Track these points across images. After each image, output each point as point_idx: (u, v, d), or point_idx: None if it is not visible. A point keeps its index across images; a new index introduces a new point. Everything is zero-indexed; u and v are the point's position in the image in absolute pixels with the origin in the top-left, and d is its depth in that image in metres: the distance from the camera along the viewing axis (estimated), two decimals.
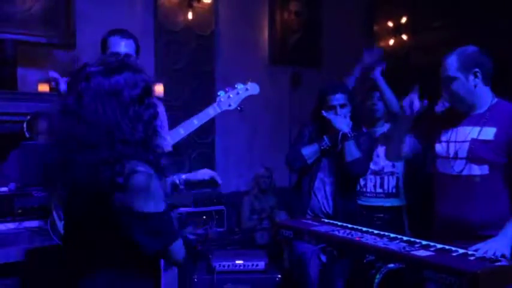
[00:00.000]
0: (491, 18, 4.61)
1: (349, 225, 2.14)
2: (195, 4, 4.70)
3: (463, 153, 2.09)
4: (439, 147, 2.19)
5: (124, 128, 1.34)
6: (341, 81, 2.81)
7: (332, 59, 5.59)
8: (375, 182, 3.14)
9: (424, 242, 1.81)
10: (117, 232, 1.37)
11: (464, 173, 2.07)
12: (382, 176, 3.14)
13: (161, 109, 2.50)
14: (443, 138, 2.18)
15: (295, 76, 5.39)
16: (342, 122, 2.64)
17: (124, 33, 2.33)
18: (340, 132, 2.64)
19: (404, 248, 1.71)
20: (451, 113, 2.22)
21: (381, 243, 1.79)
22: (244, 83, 2.50)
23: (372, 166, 3.14)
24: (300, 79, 5.40)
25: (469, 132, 2.09)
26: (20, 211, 2.58)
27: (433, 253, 1.67)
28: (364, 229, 2.06)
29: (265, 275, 3.20)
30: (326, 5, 5.64)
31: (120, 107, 1.36)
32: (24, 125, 3.30)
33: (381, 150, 3.16)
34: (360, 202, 3.14)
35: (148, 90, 1.44)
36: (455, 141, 2.13)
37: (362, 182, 3.16)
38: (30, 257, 2.28)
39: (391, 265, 1.64)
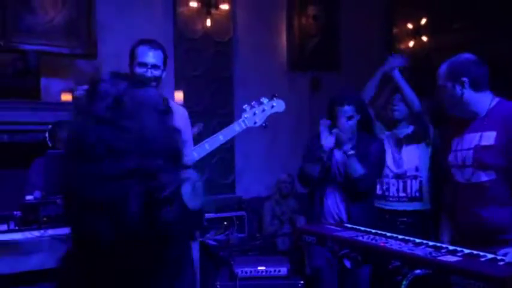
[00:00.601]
0: (510, 19, 4.53)
1: (373, 231, 2.11)
2: (214, 11, 4.73)
3: (469, 160, 2.10)
4: (451, 156, 2.20)
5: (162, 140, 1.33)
6: (351, 91, 2.84)
7: (351, 62, 5.56)
8: (398, 186, 3.10)
9: (450, 247, 1.77)
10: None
11: (474, 180, 2.09)
12: (405, 179, 3.09)
13: (185, 122, 2.52)
14: (453, 146, 2.21)
15: (314, 80, 5.37)
16: (342, 140, 2.64)
17: (152, 44, 2.36)
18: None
19: (430, 253, 1.68)
20: (459, 120, 2.22)
21: (406, 248, 1.76)
22: (271, 98, 2.47)
23: (394, 169, 3.10)
24: (319, 83, 5.38)
25: (472, 139, 2.11)
26: (45, 219, 2.62)
27: (461, 258, 1.63)
28: (389, 234, 2.03)
29: (288, 281, 3.18)
30: (344, 8, 5.61)
31: (160, 119, 1.35)
32: (46, 134, 3.36)
33: (404, 153, 3.12)
34: (382, 206, 3.11)
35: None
36: (461, 150, 2.15)
37: (384, 186, 3.12)
38: (65, 263, 2.31)
39: (418, 271, 1.61)
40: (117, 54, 4.32)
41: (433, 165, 3.12)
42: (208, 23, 4.73)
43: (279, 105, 2.49)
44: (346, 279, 2.63)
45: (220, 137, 2.36)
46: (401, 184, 3.09)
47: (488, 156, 2.04)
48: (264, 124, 2.45)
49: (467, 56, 2.20)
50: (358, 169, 2.62)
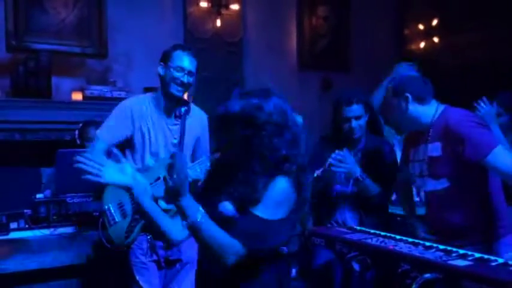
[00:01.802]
0: None
1: (382, 233, 2.09)
2: (224, 11, 4.74)
3: (425, 171, 2.20)
4: (410, 167, 2.31)
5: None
6: (357, 90, 2.63)
7: (361, 63, 5.54)
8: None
9: (461, 251, 1.75)
10: None
11: (430, 188, 2.20)
12: None
13: (205, 127, 2.55)
14: (410, 157, 2.30)
15: (325, 81, 5.35)
16: (351, 168, 2.46)
17: (189, 50, 2.42)
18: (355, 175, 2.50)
19: (441, 257, 1.66)
20: (415, 132, 2.28)
21: (416, 251, 1.74)
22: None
23: None
24: (330, 84, 5.36)
25: (424, 151, 2.18)
26: (55, 217, 2.63)
27: (472, 263, 1.61)
28: (398, 237, 2.01)
29: (296, 283, 3.16)
30: (354, 9, 5.59)
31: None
32: (76, 132, 3.41)
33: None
34: (394, 211, 3.08)
35: None
36: (418, 160, 2.24)
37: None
38: (88, 260, 2.34)
39: (428, 275, 1.59)
40: (127, 53, 4.36)
41: None
42: (218, 23, 4.73)
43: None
44: (350, 282, 2.60)
45: None
46: (414, 189, 3.06)
47: (438, 167, 2.12)
48: None
49: (406, 71, 2.48)
50: (373, 189, 2.51)
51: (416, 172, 2.26)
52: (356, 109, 2.50)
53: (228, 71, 4.86)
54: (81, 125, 3.45)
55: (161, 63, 2.38)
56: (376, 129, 2.75)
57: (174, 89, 2.34)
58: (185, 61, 2.35)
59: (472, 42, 4.92)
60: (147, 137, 2.36)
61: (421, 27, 5.62)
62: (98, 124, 3.41)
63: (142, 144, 2.36)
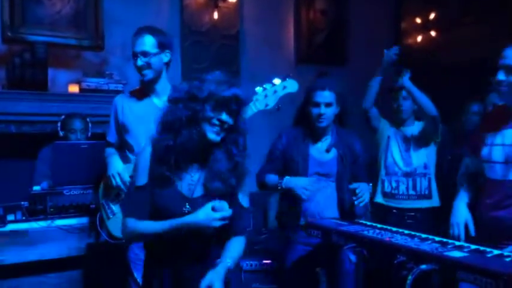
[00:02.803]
0: None
1: (379, 225, 2.11)
2: (221, 4, 4.72)
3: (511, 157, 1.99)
4: (484, 151, 2.09)
5: None
6: (332, 80, 2.61)
7: (359, 57, 5.53)
8: (407, 184, 3.08)
9: (457, 243, 1.77)
10: None
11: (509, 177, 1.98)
12: (415, 177, 3.07)
13: None
14: (488, 141, 2.08)
15: (321, 75, 5.35)
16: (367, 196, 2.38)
17: (141, 31, 2.33)
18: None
19: (437, 248, 1.68)
20: (497, 113, 2.11)
21: (412, 243, 1.76)
22: (283, 79, 2.42)
23: (403, 168, 3.08)
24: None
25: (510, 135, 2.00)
26: (52, 209, 2.63)
27: (467, 254, 1.62)
28: (394, 229, 2.02)
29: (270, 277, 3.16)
30: (352, 2, 5.58)
31: None
32: (59, 124, 3.40)
33: (412, 150, 3.10)
34: (390, 204, 3.10)
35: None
36: (503, 145, 2.02)
37: (394, 184, 3.10)
38: (89, 252, 2.35)
39: (423, 266, 1.60)
40: (124, 46, 4.33)
41: (440, 161, 3.11)
42: (216, 15, 4.71)
43: (291, 85, 2.45)
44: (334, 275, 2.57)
45: None
46: (410, 182, 3.07)
47: None
48: (276, 106, 2.41)
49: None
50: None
51: (495, 158, 2.05)
52: (328, 95, 2.43)
53: (225, 64, 4.85)
54: (63, 116, 3.44)
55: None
56: (344, 124, 2.63)
57: (140, 76, 2.34)
58: (136, 45, 2.30)
59: (470, 37, 4.92)
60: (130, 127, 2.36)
61: (418, 20, 5.61)
62: (80, 116, 3.42)
63: (130, 133, 2.36)
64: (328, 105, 2.44)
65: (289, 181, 2.43)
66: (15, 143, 3.81)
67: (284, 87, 2.42)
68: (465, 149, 2.35)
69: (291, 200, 2.51)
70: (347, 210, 2.50)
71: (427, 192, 3.06)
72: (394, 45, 3.24)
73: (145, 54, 2.29)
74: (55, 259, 2.32)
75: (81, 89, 3.98)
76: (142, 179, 1.64)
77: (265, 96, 2.39)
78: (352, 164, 2.54)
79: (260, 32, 5.05)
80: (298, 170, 2.50)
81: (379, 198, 3.15)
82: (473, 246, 1.72)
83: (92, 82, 4.00)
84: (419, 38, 5.61)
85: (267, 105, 2.40)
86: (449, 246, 1.72)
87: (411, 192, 3.07)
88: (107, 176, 2.31)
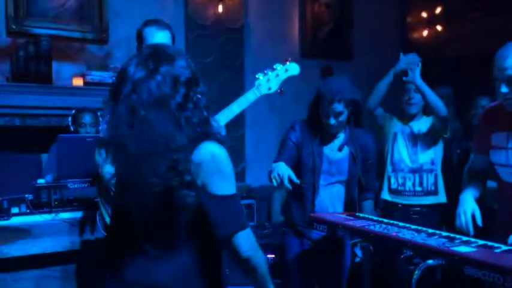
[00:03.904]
0: None
1: (385, 220, 2.09)
2: None
3: None
4: (497, 154, 2.01)
5: (179, 135, 1.35)
6: (342, 85, 2.41)
7: (363, 51, 5.50)
8: (414, 180, 3.05)
9: (464, 238, 1.75)
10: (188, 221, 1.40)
11: None
12: (421, 173, 3.04)
13: None
14: (500, 143, 1.99)
15: (326, 70, 5.33)
16: None
17: (160, 24, 2.29)
18: None
19: (444, 243, 1.66)
20: (498, 115, 2.02)
21: (419, 238, 1.74)
22: (283, 63, 2.38)
23: (410, 164, 3.06)
24: (331, 72, 5.33)
25: None
26: (56, 203, 2.63)
27: (475, 249, 1.61)
28: (401, 224, 2.01)
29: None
30: None
31: (171, 113, 1.36)
32: (69, 119, 3.41)
33: (419, 146, 3.07)
34: (396, 200, 3.09)
35: (195, 78, 1.43)
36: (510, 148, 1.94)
37: (400, 181, 3.08)
38: (84, 246, 2.34)
39: (430, 261, 1.59)
40: (128, 39, 4.30)
41: (448, 160, 3.07)
42: (220, 9, 4.69)
43: (292, 68, 2.40)
44: (326, 270, 2.57)
45: (235, 108, 2.28)
46: (417, 179, 3.05)
47: None
48: (279, 90, 2.36)
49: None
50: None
51: (503, 161, 1.98)
52: (337, 106, 2.37)
53: (229, 58, 4.83)
54: (74, 111, 3.45)
55: (136, 44, 2.29)
56: (358, 122, 2.56)
57: None
58: (155, 37, 2.23)
59: (476, 31, 4.89)
60: None
61: (424, 15, 5.57)
62: (91, 110, 3.42)
63: None
64: (338, 115, 2.39)
65: (277, 165, 2.30)
66: (20, 136, 3.81)
67: (286, 70, 2.39)
68: (472, 145, 2.31)
69: (297, 195, 2.49)
70: (355, 210, 2.48)
71: (433, 189, 3.04)
72: (412, 53, 3.06)
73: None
74: (59, 252, 2.32)
75: (85, 82, 3.98)
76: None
77: (268, 80, 2.35)
78: (363, 162, 2.52)
79: (265, 25, 5.03)
80: (310, 166, 2.45)
81: (385, 195, 3.13)
82: (481, 242, 1.70)
83: (96, 75, 4.00)
84: (425, 33, 5.57)
85: (269, 88, 2.35)
86: (457, 242, 1.70)
87: (418, 188, 3.05)
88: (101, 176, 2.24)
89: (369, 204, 2.59)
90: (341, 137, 2.52)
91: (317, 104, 2.46)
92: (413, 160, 3.05)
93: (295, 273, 2.55)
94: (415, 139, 3.08)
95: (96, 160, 2.27)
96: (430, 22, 5.51)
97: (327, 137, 2.51)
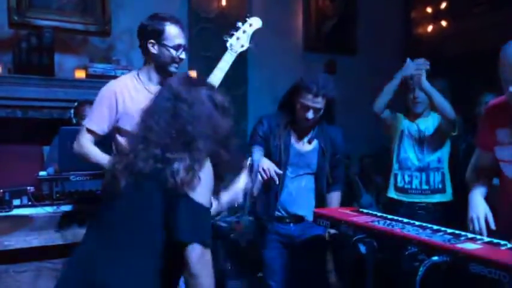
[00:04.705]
0: None
1: (389, 216, 2.07)
2: None
3: None
4: (499, 151, 1.97)
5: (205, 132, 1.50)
6: (327, 81, 2.38)
7: (367, 45, 5.47)
8: (421, 178, 3.03)
9: (470, 235, 1.73)
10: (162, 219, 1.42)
11: None
12: (428, 172, 3.02)
13: None
14: (505, 139, 1.95)
15: (329, 64, 5.30)
16: None
17: (181, 24, 2.27)
18: None
19: (449, 240, 1.64)
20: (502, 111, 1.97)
21: (423, 235, 1.72)
22: (244, 20, 2.45)
23: (417, 163, 3.03)
24: (334, 67, 5.31)
25: None
26: (58, 195, 2.61)
27: (481, 246, 1.59)
28: (406, 220, 1.99)
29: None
30: None
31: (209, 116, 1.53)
32: (72, 111, 3.39)
33: (426, 144, 3.05)
34: (402, 199, 3.07)
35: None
36: None
37: (407, 179, 3.06)
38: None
39: (435, 258, 1.57)
40: (131, 31, 4.27)
41: (455, 156, 3.04)
42: (224, 2, 4.66)
43: (256, 22, 2.47)
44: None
45: (218, 73, 2.35)
46: (424, 177, 3.03)
47: None
48: (250, 44, 2.44)
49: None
50: None
51: (507, 157, 1.95)
52: (319, 102, 2.36)
53: None
54: (76, 103, 3.43)
55: (151, 40, 2.21)
56: (330, 119, 2.55)
57: (173, 68, 2.28)
58: (182, 37, 2.24)
59: (481, 27, 4.84)
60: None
61: (429, 10, 5.53)
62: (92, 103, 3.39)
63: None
64: (317, 110, 2.39)
65: (259, 159, 2.34)
66: (22, 128, 3.80)
67: (250, 25, 2.45)
68: (476, 141, 2.28)
69: (263, 187, 2.47)
70: (324, 204, 2.50)
71: (440, 186, 3.01)
72: (421, 59, 3.00)
73: (186, 48, 2.29)
74: (61, 244, 2.30)
75: (87, 75, 3.96)
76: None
77: (237, 38, 2.41)
78: (331, 157, 2.53)
79: (268, 19, 4.95)
80: (277, 159, 2.46)
81: (391, 193, 3.11)
82: (486, 239, 1.69)
83: (99, 68, 3.98)
84: (429, 28, 5.53)
85: (242, 45, 2.42)
86: (462, 238, 1.68)
87: (424, 186, 3.03)
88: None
89: (335, 195, 2.58)
90: (311, 130, 2.52)
91: (295, 96, 2.44)
92: (420, 158, 3.03)
93: (267, 268, 2.56)
94: (422, 138, 3.05)
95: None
96: (435, 17, 5.47)
97: (298, 129, 2.51)
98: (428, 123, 3.08)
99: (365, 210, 2.23)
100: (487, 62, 4.60)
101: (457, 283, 1.65)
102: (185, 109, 1.51)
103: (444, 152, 3.05)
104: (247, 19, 2.45)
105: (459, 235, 1.74)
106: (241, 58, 4.81)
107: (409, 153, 3.06)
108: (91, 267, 1.43)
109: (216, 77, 2.33)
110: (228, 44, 2.40)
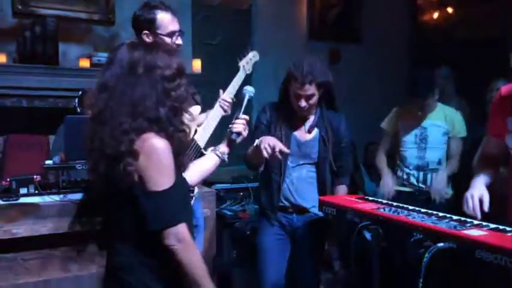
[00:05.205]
0: None
1: (395, 203, 2.08)
2: None
3: None
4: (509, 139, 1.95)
5: (148, 103, 1.44)
6: (314, 65, 2.30)
7: (372, 34, 5.43)
8: (418, 177, 3.06)
9: (475, 222, 1.73)
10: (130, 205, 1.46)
11: None
12: (426, 172, 3.04)
13: None
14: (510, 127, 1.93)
15: (334, 53, 5.27)
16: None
17: (172, 10, 2.26)
18: None
19: (455, 227, 1.64)
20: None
21: (429, 221, 1.73)
22: (247, 52, 2.57)
23: (417, 161, 3.04)
24: (338, 56, 5.28)
25: None
26: (64, 184, 2.62)
27: (487, 232, 1.59)
28: (411, 207, 1.99)
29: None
30: None
31: (150, 84, 1.45)
32: (76, 100, 3.39)
33: (429, 144, 3.04)
34: (403, 189, 3.09)
35: (181, 72, 1.52)
36: None
37: (405, 176, 3.09)
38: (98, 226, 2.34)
39: (441, 244, 1.57)
40: None
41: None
42: None
43: (257, 55, 2.60)
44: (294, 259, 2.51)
45: (231, 89, 2.42)
46: (421, 176, 3.05)
47: None
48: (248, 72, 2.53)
49: None
50: None
51: None
52: (308, 89, 2.30)
53: (237, 40, 4.78)
54: (80, 92, 3.43)
55: (145, 31, 2.22)
56: (330, 104, 2.49)
57: None
58: (175, 22, 2.23)
59: (487, 14, 4.80)
60: None
61: None
62: None
63: None
64: (309, 97, 2.33)
65: (264, 137, 2.26)
66: (27, 118, 3.81)
67: (253, 56, 2.57)
68: (486, 128, 2.26)
69: (266, 179, 2.47)
70: (328, 192, 2.46)
71: None
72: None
73: (182, 34, 2.27)
74: (67, 233, 2.32)
75: (91, 64, 3.95)
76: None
77: (247, 62, 2.52)
78: (335, 145, 2.46)
79: (272, 7, 4.96)
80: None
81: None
82: (492, 225, 1.69)
83: (103, 57, 3.97)
84: (435, 15, 5.49)
85: (249, 70, 2.54)
86: (468, 225, 1.69)
87: (421, 185, 3.05)
88: None
89: (341, 189, 2.53)
90: (311, 118, 2.47)
91: (287, 85, 2.40)
92: (420, 157, 3.04)
93: (265, 255, 2.49)
94: (424, 137, 3.05)
95: None
96: (441, 4, 5.42)
97: (297, 118, 2.46)
98: (434, 122, 3.06)
99: (370, 198, 2.23)
100: (493, 48, 4.59)
101: (463, 269, 1.65)
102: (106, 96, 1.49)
103: (446, 154, 3.07)
104: (250, 51, 2.58)
105: (465, 221, 1.74)
106: (246, 47, 4.84)
107: (410, 152, 3.07)
108: None
109: (230, 92, 2.41)
110: (240, 64, 2.50)
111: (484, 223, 1.72)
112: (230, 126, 2.00)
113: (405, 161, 3.09)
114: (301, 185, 2.46)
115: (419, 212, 1.92)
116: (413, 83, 3.04)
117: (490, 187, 2.01)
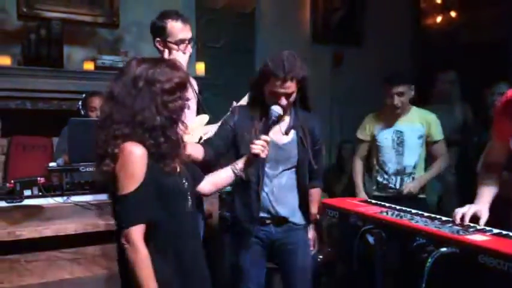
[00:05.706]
0: None
1: (398, 207, 2.08)
2: None
3: None
4: None
5: (147, 114, 1.56)
6: (292, 58, 2.12)
7: (375, 37, 5.44)
8: (395, 181, 3.07)
9: (479, 227, 1.73)
10: None
11: None
12: (403, 177, 3.06)
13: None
14: None
15: (337, 56, 5.27)
16: None
17: (184, 18, 2.28)
18: None
19: (458, 231, 1.64)
20: None
21: (432, 226, 1.72)
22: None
23: (395, 166, 3.06)
24: (341, 59, 5.28)
25: None
26: (68, 186, 2.64)
27: (490, 237, 1.59)
28: (414, 211, 1.99)
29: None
30: None
31: (149, 96, 1.58)
32: (80, 103, 3.41)
33: (406, 149, 3.04)
34: (382, 194, 3.09)
35: (182, 85, 1.64)
36: None
37: (384, 181, 3.11)
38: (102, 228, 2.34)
39: (444, 249, 1.57)
40: (138, 23, 4.30)
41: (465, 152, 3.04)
42: None
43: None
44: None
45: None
46: (398, 181, 3.06)
47: None
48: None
49: None
50: None
51: None
52: (289, 86, 2.11)
53: (240, 43, 4.80)
54: (84, 95, 3.45)
55: (157, 39, 2.27)
56: (305, 103, 2.30)
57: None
58: (185, 31, 2.25)
59: (491, 18, 4.80)
60: None
61: (438, 1, 5.48)
62: (101, 94, 3.42)
63: None
64: (289, 95, 2.14)
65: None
66: (31, 120, 3.82)
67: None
68: (491, 133, 2.24)
69: (241, 187, 2.25)
70: (307, 197, 2.32)
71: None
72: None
73: (192, 39, 2.30)
74: (71, 235, 2.33)
75: (96, 67, 3.98)
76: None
77: None
78: (312, 148, 2.29)
79: (276, 10, 4.98)
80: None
81: (374, 191, 3.18)
82: (495, 230, 1.68)
83: (107, 60, 3.99)
84: (439, 19, 5.49)
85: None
86: (471, 230, 1.68)
87: (400, 189, 3.05)
88: None
89: (315, 192, 2.40)
90: (286, 119, 2.26)
91: (262, 83, 2.17)
92: (398, 162, 3.06)
93: (242, 274, 2.30)
94: (401, 141, 3.06)
95: None
96: (444, 8, 5.42)
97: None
98: (409, 125, 3.06)
99: (373, 201, 2.23)
100: (497, 52, 4.58)
101: (466, 274, 1.65)
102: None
103: (422, 157, 3.08)
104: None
105: (468, 226, 1.74)
106: (249, 50, 4.86)
107: (388, 157, 3.09)
108: None
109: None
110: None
111: (487, 228, 1.72)
112: (250, 145, 1.95)
113: (384, 166, 3.09)
114: (282, 193, 2.27)
115: (422, 216, 1.92)
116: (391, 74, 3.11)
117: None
